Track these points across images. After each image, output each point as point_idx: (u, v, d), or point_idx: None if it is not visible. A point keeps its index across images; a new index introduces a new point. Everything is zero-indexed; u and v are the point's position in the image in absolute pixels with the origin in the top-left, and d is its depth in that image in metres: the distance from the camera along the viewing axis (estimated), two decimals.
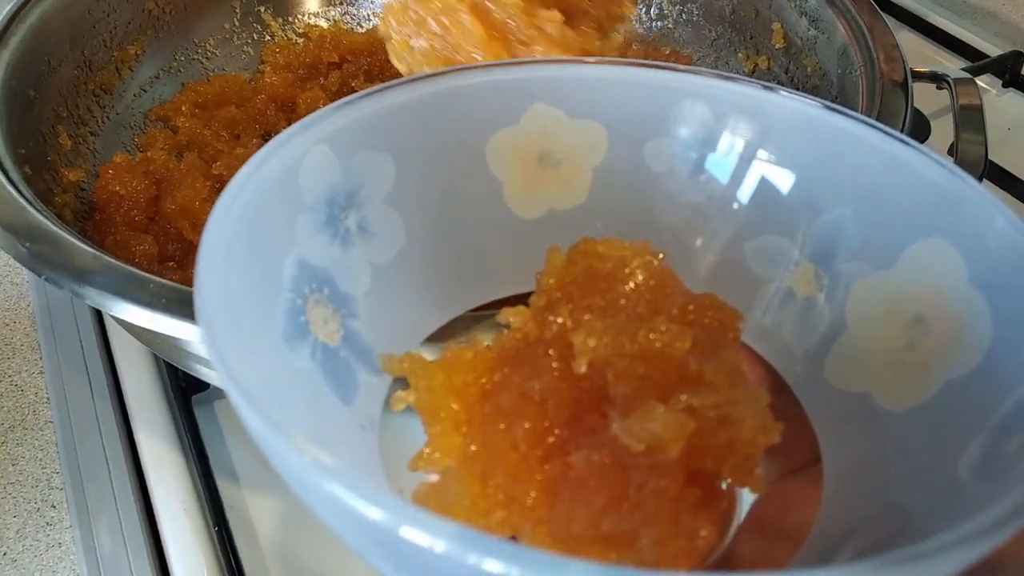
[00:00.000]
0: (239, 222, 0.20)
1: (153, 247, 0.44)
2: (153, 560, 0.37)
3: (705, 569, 0.20)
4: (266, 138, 0.51)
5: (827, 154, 0.25)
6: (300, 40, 0.60)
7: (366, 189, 0.25)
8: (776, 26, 0.52)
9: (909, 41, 0.67)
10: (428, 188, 0.26)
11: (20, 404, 0.44)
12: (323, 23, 0.61)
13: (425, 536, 0.13)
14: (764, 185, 0.26)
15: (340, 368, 0.23)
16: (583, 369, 0.20)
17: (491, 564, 0.13)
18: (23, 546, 0.38)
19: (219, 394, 0.43)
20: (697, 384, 0.20)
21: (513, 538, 0.20)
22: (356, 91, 0.26)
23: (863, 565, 0.13)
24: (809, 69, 0.50)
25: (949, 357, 0.21)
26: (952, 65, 0.63)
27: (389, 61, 0.38)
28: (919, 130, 0.55)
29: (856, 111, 0.29)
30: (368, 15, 0.61)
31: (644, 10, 0.59)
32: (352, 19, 0.61)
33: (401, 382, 0.22)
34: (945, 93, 0.45)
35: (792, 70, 0.52)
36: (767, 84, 0.26)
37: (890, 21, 0.47)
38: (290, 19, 0.60)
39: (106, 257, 0.33)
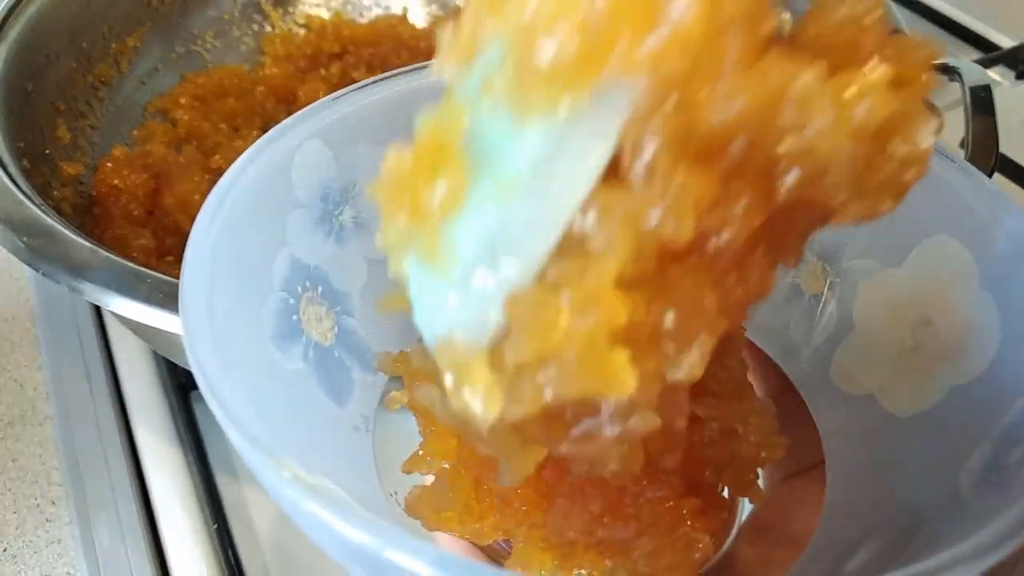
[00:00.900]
0: (225, 225, 0.20)
1: (151, 241, 0.43)
2: (152, 556, 0.37)
3: (703, 574, 0.20)
4: (266, 130, 0.50)
5: None
6: (300, 30, 0.59)
7: (361, 183, 0.24)
8: (785, 16, 0.52)
9: (920, 33, 0.66)
10: None
11: (19, 400, 0.43)
12: (324, 13, 0.60)
13: (408, 559, 0.13)
14: None
15: (334, 368, 0.23)
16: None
17: None
18: (22, 542, 0.38)
19: None
20: (701, 393, 0.19)
21: (507, 542, 0.19)
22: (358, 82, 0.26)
23: None
24: None
25: (955, 361, 0.21)
26: (964, 57, 0.62)
27: (391, 52, 0.37)
28: None
29: None
30: (370, 4, 0.61)
31: None
32: (354, 8, 0.61)
33: (396, 381, 0.22)
34: (956, 86, 0.44)
35: None
36: None
37: (901, 12, 0.46)
38: (290, 9, 0.60)
39: (103, 252, 0.32)
